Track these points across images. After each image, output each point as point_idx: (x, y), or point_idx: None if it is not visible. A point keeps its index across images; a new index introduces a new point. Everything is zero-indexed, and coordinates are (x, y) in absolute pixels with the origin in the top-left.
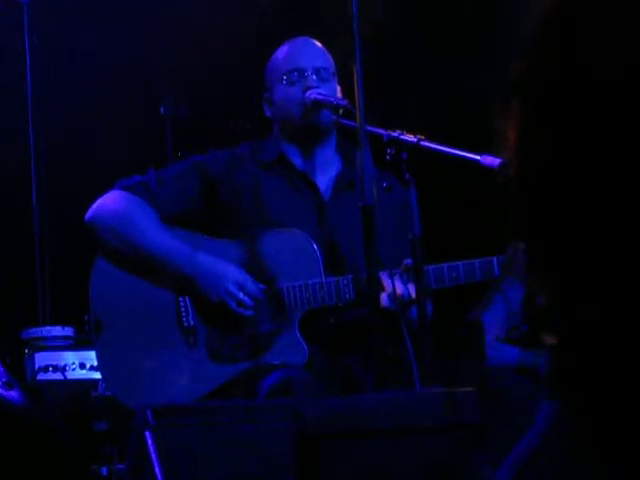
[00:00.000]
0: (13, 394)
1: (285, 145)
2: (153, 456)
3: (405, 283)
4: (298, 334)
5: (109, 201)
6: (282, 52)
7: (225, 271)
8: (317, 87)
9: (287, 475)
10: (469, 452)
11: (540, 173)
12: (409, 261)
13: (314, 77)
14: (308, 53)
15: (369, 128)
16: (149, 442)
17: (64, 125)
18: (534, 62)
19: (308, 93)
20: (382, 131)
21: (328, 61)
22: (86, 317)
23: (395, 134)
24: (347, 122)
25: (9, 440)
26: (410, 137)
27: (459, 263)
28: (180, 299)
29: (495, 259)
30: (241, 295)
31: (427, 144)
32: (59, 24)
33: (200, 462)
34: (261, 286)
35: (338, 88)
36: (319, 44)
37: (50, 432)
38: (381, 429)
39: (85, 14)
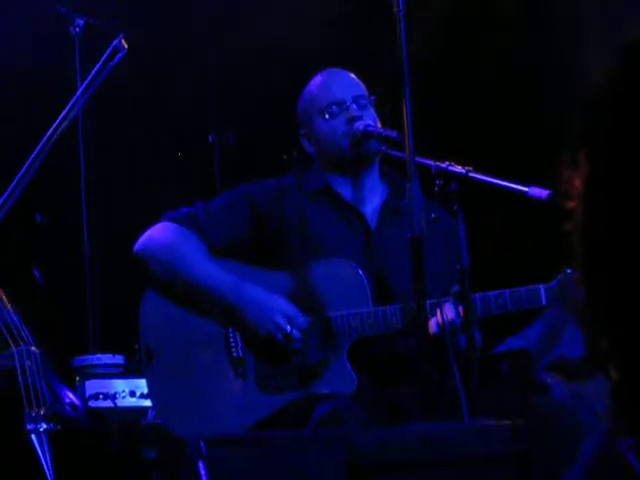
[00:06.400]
0: (77, 415)
1: (329, 175)
2: None
3: (456, 308)
4: (347, 363)
5: (157, 233)
6: (316, 86)
7: (273, 303)
8: (360, 116)
9: None
10: None
11: (607, 221)
12: (457, 288)
13: (354, 106)
14: (344, 83)
15: (418, 159)
16: (202, 472)
17: (114, 155)
18: (603, 117)
19: (357, 124)
20: (431, 162)
21: (363, 88)
22: (136, 346)
23: (444, 165)
24: (395, 153)
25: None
26: (459, 168)
27: (506, 291)
28: (229, 330)
29: (542, 287)
30: (289, 328)
31: (475, 175)
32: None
33: None
34: (309, 317)
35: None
36: (350, 73)
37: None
38: (430, 461)
39: (134, 45)
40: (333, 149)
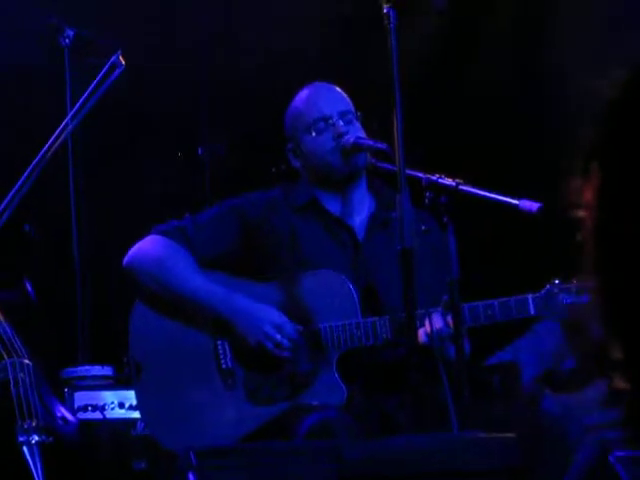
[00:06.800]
0: (69, 429)
1: (316, 190)
2: None
3: (444, 318)
4: (336, 374)
5: (146, 246)
6: (302, 101)
7: (262, 313)
8: (347, 132)
9: None
10: None
11: (621, 230)
12: (447, 297)
13: (341, 122)
14: (329, 98)
15: (408, 171)
16: None
17: (103, 168)
18: (615, 128)
19: (346, 138)
20: (421, 174)
21: (349, 103)
22: (125, 359)
23: (434, 178)
24: (385, 165)
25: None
26: (449, 181)
27: (495, 301)
28: (218, 341)
29: (530, 297)
30: (279, 337)
31: (466, 188)
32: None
33: None
34: (298, 327)
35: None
36: (336, 87)
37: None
38: (421, 473)
39: (125, 57)
40: (322, 165)
